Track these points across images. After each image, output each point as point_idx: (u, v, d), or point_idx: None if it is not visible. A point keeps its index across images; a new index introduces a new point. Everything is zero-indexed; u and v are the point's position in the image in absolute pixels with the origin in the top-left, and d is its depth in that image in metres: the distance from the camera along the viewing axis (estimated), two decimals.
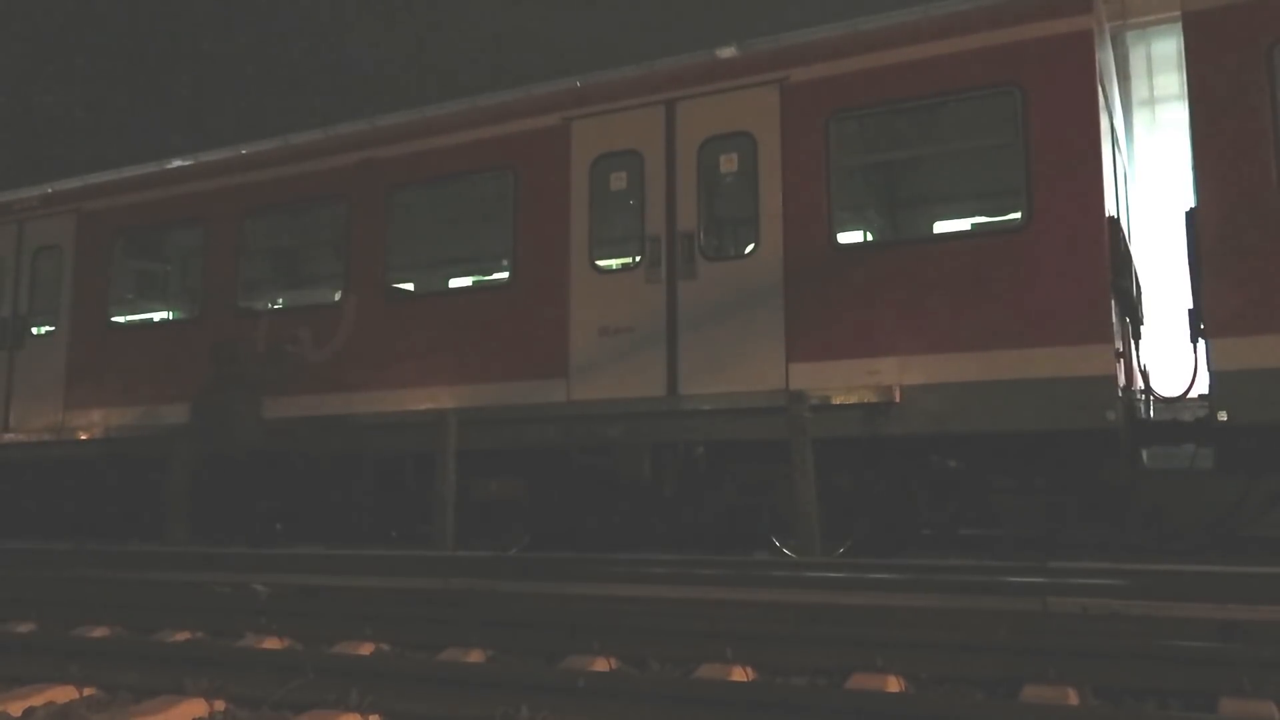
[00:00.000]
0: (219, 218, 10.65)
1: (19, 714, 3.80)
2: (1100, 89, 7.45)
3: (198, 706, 3.76)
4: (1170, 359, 8.54)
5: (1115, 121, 8.83)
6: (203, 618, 5.52)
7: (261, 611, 5.48)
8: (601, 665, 4.31)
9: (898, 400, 7.43)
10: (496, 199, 9.36)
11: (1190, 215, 7.12)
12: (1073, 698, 3.67)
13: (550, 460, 8.72)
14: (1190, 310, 7.28)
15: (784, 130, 8.13)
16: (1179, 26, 7.27)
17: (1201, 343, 7.17)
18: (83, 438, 10.90)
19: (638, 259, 8.59)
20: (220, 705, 3.80)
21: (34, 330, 11.73)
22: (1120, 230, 7.72)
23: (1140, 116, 12.48)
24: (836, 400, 7.57)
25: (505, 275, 9.29)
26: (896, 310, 7.56)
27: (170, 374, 10.56)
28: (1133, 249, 8.52)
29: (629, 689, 3.59)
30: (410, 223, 10.07)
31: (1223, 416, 6.68)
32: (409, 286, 10.48)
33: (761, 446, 7.87)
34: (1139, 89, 12.58)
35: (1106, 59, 8.45)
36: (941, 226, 9.64)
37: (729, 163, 8.39)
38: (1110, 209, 7.34)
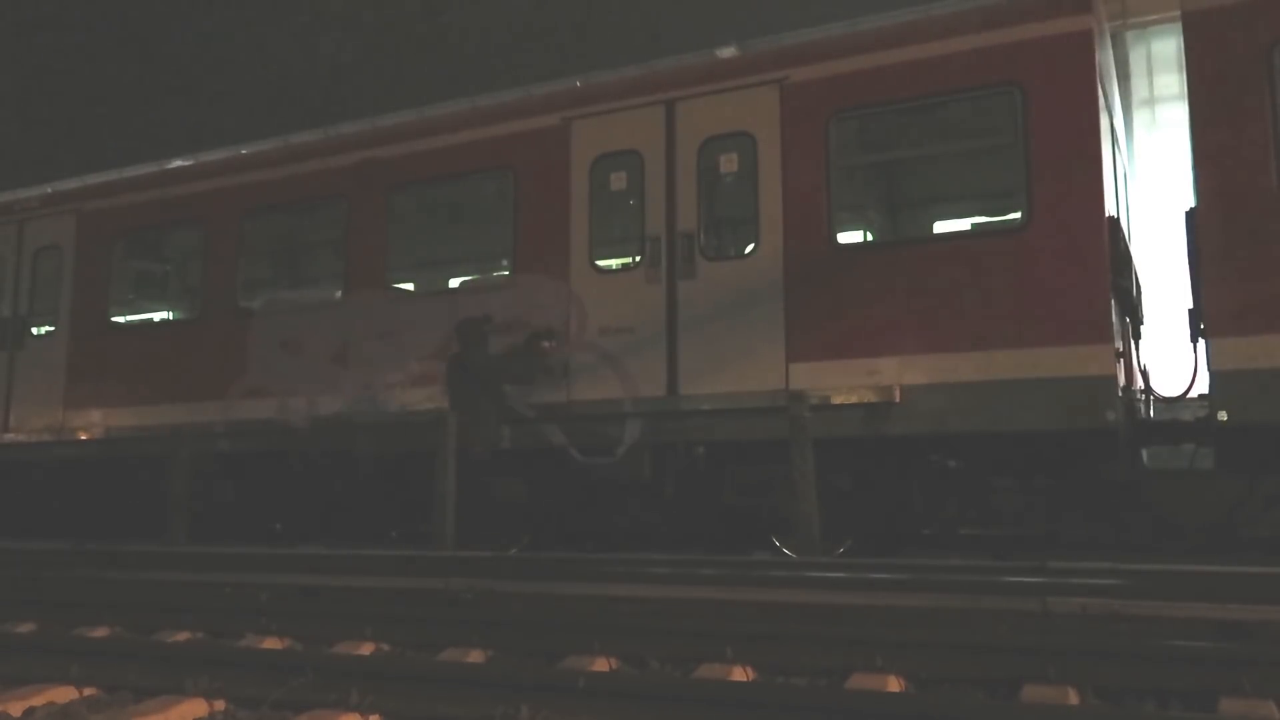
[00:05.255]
0: (219, 218, 10.65)
1: (19, 714, 3.80)
2: (1100, 89, 7.44)
3: (198, 706, 3.75)
4: (1170, 359, 8.54)
5: (1115, 121, 8.83)
6: (203, 618, 5.52)
7: (261, 611, 5.48)
8: (601, 665, 4.31)
9: (898, 400, 7.43)
10: (496, 199, 9.36)
11: (1190, 215, 7.11)
12: (1073, 698, 3.67)
13: (550, 460, 8.71)
14: (1190, 310, 7.28)
15: (784, 130, 8.13)
16: (1179, 26, 7.26)
17: (1201, 343, 7.17)
18: (83, 438, 10.90)
19: (638, 259, 8.59)
20: (220, 705, 3.79)
21: (34, 330, 11.72)
22: (1120, 230, 7.72)
23: (1140, 116, 12.47)
24: (836, 400, 7.57)
25: (505, 275, 9.30)
26: (896, 310, 7.55)
27: (170, 374, 10.57)
28: (1133, 249, 8.52)
29: (629, 689, 3.59)
30: (410, 223, 10.07)
31: (1223, 416, 6.68)
32: (409, 286, 10.48)
33: (761, 446, 7.87)
34: (1139, 89, 12.58)
35: (1106, 59, 8.44)
36: (941, 226, 9.63)
37: (729, 163, 8.39)
38: (1110, 209, 7.34)
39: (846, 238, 8.49)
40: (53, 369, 11.33)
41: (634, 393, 8.31)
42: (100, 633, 5.48)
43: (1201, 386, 7.31)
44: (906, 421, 7.43)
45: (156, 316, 12.40)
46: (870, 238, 9.36)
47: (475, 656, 4.63)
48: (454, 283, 10.60)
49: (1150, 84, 12.63)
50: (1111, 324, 7.01)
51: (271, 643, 5.00)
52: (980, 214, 9.09)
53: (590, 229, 8.76)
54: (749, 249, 8.25)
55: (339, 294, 9.91)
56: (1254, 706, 3.45)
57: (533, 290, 8.87)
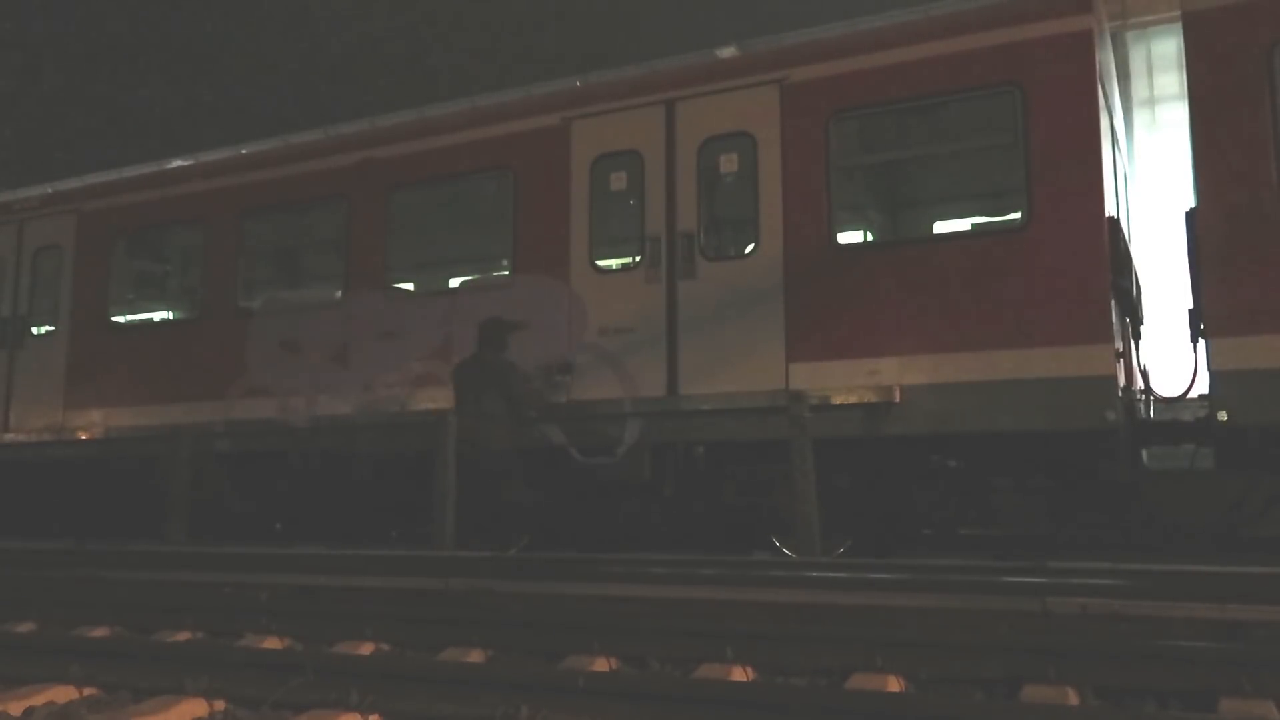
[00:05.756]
0: (219, 218, 10.65)
1: (19, 714, 3.80)
2: (1100, 89, 7.44)
3: (198, 706, 3.75)
4: (1170, 359, 8.54)
5: (1115, 121, 8.83)
6: (203, 618, 5.51)
7: (262, 611, 5.48)
8: (601, 665, 4.31)
9: (898, 400, 7.43)
10: (496, 199, 9.36)
11: (1190, 215, 7.11)
12: (1073, 698, 3.67)
13: (550, 460, 8.71)
14: (1190, 310, 7.28)
15: (784, 130, 8.13)
16: (1179, 26, 7.27)
17: (1201, 343, 7.17)
18: (83, 438, 10.90)
19: (638, 259, 8.58)
20: (220, 705, 3.79)
21: (34, 330, 11.72)
22: (1120, 230, 7.72)
23: (1140, 116, 12.48)
24: (836, 400, 7.57)
25: (505, 275, 9.30)
26: (896, 310, 7.55)
27: (170, 374, 10.57)
28: (1133, 249, 8.52)
29: (629, 689, 3.59)
30: (410, 223, 10.07)
31: (1223, 416, 6.68)
32: (409, 286, 10.48)
33: (762, 446, 7.87)
34: (1139, 89, 12.58)
35: (1106, 59, 8.44)
36: (941, 226, 9.63)
37: (729, 163, 8.39)
38: (1110, 209, 7.34)
39: (846, 238, 8.49)
40: (53, 369, 11.33)
41: (634, 393, 8.30)
42: (100, 633, 5.47)
43: (1201, 386, 7.31)
44: (906, 421, 7.43)
45: (156, 316, 12.41)
46: (870, 238, 9.36)
47: (475, 656, 4.63)
48: (454, 283, 10.62)
49: (1150, 84, 12.63)
50: (1111, 324, 7.01)
51: (271, 643, 5.00)
52: (980, 214, 9.10)
53: (590, 229, 8.75)
54: (749, 249, 8.25)
55: (339, 294, 9.91)
56: (1254, 706, 3.45)
57: (532, 290, 8.87)
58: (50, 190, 14.10)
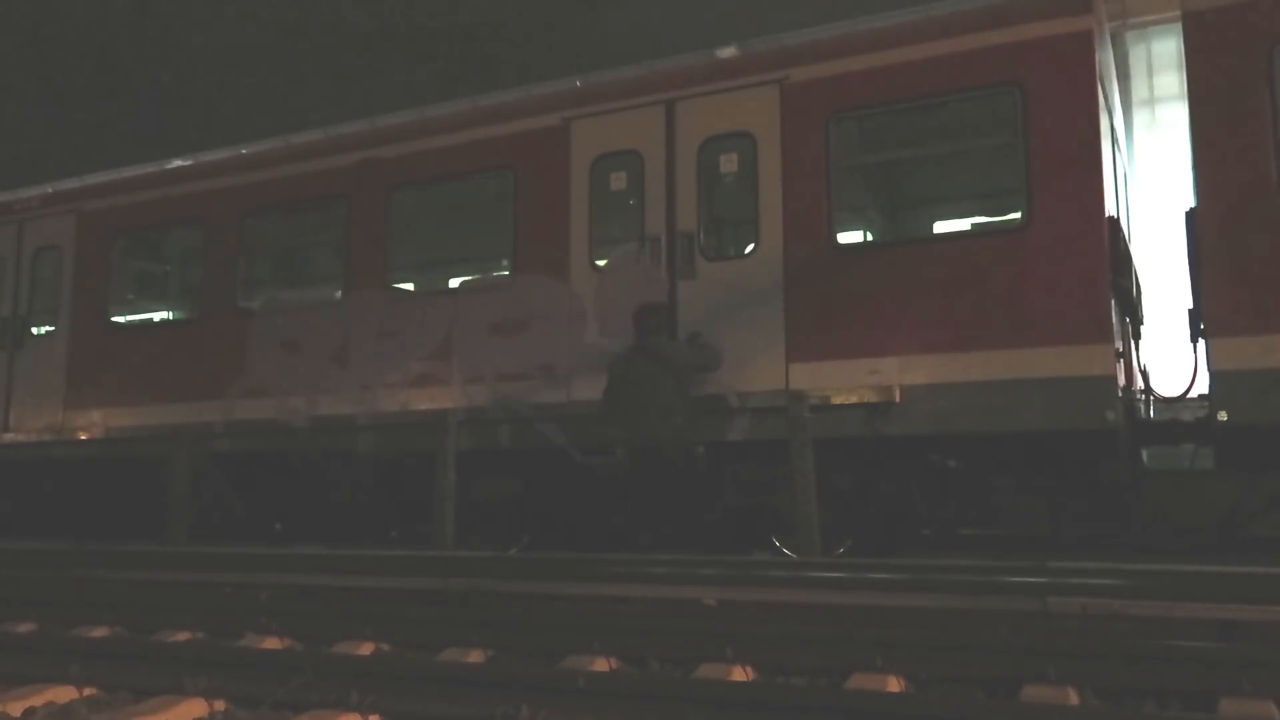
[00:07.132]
0: (219, 218, 10.65)
1: (19, 714, 3.81)
2: (1100, 89, 7.44)
3: (198, 706, 3.76)
4: (1170, 359, 8.54)
5: (1115, 121, 8.82)
6: (203, 618, 5.52)
7: (262, 611, 5.48)
8: (601, 665, 4.31)
9: (898, 400, 7.43)
10: (496, 199, 9.36)
11: (1190, 215, 7.12)
12: (1073, 698, 3.67)
13: (550, 460, 8.71)
14: (1190, 310, 7.28)
15: (784, 130, 8.13)
16: (1179, 26, 7.27)
17: (1201, 343, 7.17)
18: (83, 438, 10.90)
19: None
20: (220, 705, 3.80)
21: (34, 330, 11.73)
22: (1120, 230, 7.72)
23: (1140, 116, 12.48)
24: (836, 400, 7.57)
25: (505, 275, 9.30)
26: (896, 310, 7.55)
27: (170, 374, 10.57)
28: (1133, 249, 8.52)
29: (629, 689, 3.59)
30: (410, 223, 10.07)
31: (1223, 416, 6.68)
32: (409, 286, 10.48)
33: (762, 446, 7.87)
34: (1139, 89, 12.58)
35: (1106, 59, 8.44)
36: (941, 226, 9.64)
37: (729, 163, 8.39)
38: (1110, 209, 7.34)
39: (846, 238, 8.49)
40: (53, 369, 11.33)
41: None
42: (100, 633, 5.48)
43: (1201, 386, 7.32)
44: (906, 421, 7.43)
45: (156, 316, 12.41)
46: (870, 238, 9.36)
47: (475, 656, 4.64)
48: (454, 283, 10.62)
49: (1150, 84, 12.63)
50: (1111, 324, 7.01)
51: (271, 643, 5.00)
52: (980, 214, 9.10)
53: (590, 229, 8.75)
54: (749, 249, 8.25)
55: (339, 294, 9.91)
56: (1254, 706, 3.45)
57: (532, 290, 8.87)
58: (50, 190, 14.09)
